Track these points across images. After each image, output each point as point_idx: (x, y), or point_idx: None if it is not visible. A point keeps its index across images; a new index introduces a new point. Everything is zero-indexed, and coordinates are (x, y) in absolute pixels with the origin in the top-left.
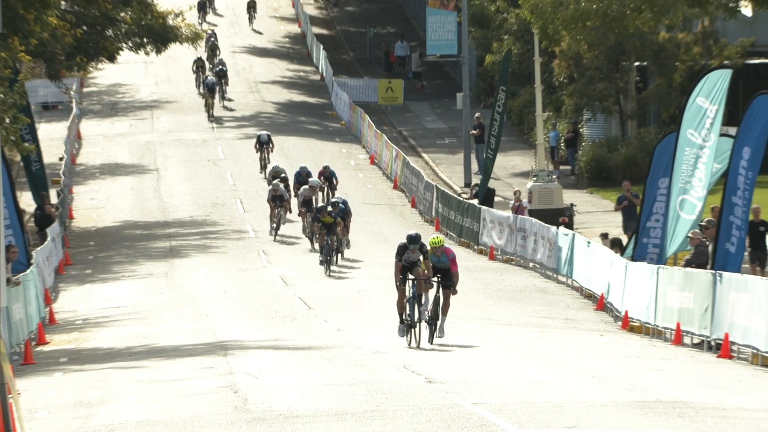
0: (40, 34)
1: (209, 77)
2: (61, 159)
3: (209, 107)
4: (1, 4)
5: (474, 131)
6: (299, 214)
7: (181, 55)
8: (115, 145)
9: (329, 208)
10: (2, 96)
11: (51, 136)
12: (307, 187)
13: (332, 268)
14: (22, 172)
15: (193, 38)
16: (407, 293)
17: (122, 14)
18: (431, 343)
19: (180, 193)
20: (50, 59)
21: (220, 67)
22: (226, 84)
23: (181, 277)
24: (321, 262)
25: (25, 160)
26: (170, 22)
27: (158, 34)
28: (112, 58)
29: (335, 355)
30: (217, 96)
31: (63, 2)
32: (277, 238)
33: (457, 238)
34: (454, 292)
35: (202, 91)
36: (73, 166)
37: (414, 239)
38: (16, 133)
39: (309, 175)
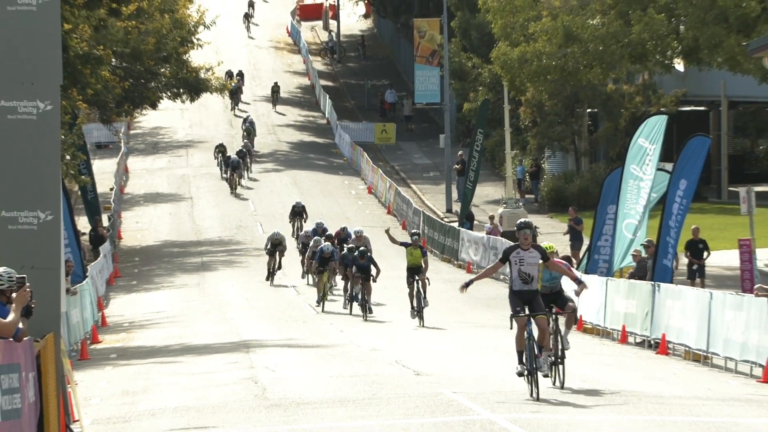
0: (95, 86)
1: (232, 157)
2: (111, 189)
3: (233, 184)
4: (62, 61)
5: (457, 166)
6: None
7: (212, 103)
8: (156, 178)
9: (415, 236)
10: (63, 137)
11: (103, 170)
12: (354, 237)
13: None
14: (79, 200)
15: (221, 89)
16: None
17: (162, 69)
18: (562, 387)
19: (210, 218)
20: (103, 106)
21: (243, 149)
22: (249, 166)
23: (210, 287)
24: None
25: (82, 190)
26: (202, 75)
27: (192, 86)
28: (154, 106)
29: (339, 352)
30: (245, 173)
31: (114, 59)
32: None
33: (440, 255)
34: (575, 322)
35: (226, 173)
36: (122, 195)
37: (525, 224)
38: (75, 167)
39: (325, 230)
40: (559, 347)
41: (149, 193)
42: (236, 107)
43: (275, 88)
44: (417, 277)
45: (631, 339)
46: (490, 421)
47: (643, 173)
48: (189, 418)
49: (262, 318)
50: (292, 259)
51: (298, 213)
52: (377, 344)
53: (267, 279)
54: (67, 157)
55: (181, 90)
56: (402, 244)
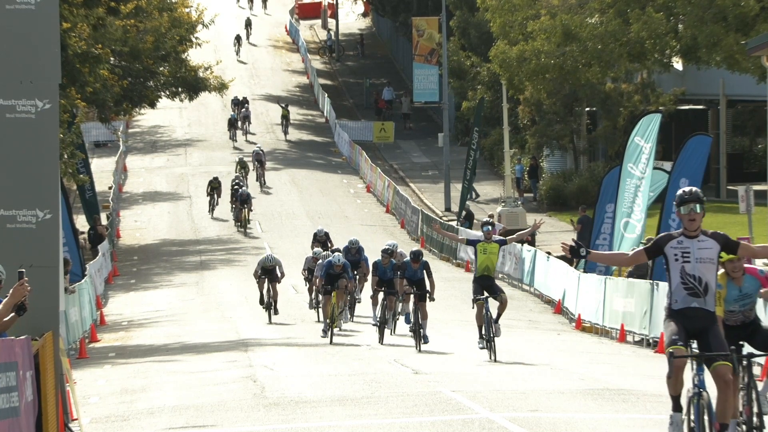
0: (94, 85)
1: (241, 189)
2: (110, 188)
3: (243, 221)
4: (61, 59)
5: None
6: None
7: (210, 102)
8: (155, 177)
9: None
10: (61, 136)
11: (102, 169)
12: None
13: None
14: (77, 199)
15: (220, 88)
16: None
17: (161, 68)
18: None
19: (208, 216)
20: (101, 105)
21: (236, 180)
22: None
23: (209, 286)
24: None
25: (80, 188)
26: (200, 74)
27: (191, 85)
28: (152, 104)
29: (337, 351)
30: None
31: (112, 58)
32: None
33: (438, 254)
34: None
35: (211, 212)
36: (120, 193)
37: (691, 195)
38: (73, 166)
39: (358, 250)
40: (754, 409)
41: (148, 192)
42: (243, 135)
43: (285, 113)
44: (488, 293)
45: (629, 338)
46: (488, 419)
47: (640, 172)
48: (188, 416)
49: (260, 316)
50: (292, 266)
51: (322, 242)
52: (375, 342)
53: (265, 310)
54: (66, 156)
55: (180, 89)
56: (469, 242)
